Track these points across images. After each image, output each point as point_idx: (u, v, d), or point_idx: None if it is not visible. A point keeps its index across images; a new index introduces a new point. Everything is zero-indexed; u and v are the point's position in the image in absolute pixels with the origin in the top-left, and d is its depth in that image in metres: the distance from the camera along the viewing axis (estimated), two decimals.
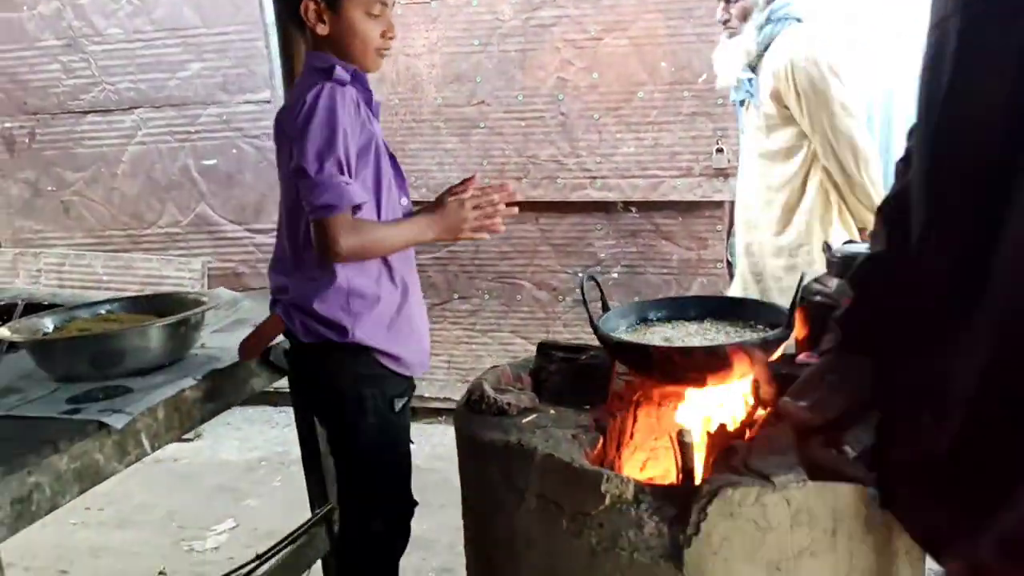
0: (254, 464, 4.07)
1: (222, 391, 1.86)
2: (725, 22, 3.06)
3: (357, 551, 2.08)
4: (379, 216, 1.89)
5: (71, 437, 1.50)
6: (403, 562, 3.00)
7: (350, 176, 1.76)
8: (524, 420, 1.77)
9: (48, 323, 1.91)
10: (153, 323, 1.78)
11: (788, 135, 2.98)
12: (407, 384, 2.03)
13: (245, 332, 1.90)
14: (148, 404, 1.63)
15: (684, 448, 1.51)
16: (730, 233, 3.90)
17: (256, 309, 2.31)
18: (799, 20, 2.98)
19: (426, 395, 4.32)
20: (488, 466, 1.71)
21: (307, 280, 1.86)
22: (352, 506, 2.06)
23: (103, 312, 1.96)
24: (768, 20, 2.94)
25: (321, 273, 1.85)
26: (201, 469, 4.05)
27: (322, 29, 1.80)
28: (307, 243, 1.84)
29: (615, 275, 4.04)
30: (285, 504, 3.47)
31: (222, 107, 4.28)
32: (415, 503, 2.13)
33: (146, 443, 1.64)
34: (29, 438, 1.48)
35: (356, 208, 1.79)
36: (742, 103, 3.16)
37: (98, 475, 1.56)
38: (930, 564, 2.33)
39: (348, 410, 1.92)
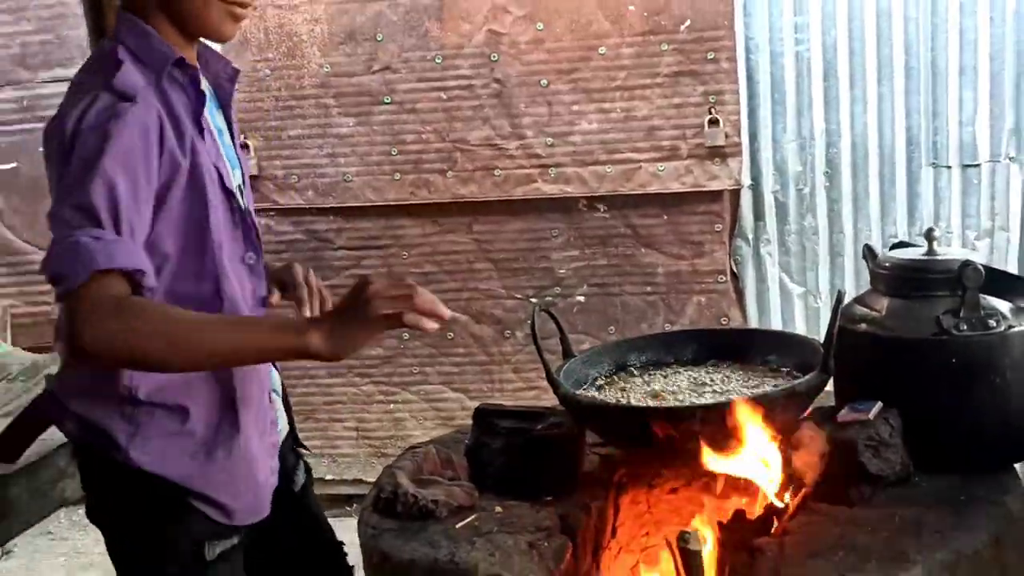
0: None
1: (15, 506, 1.72)
2: None
3: None
4: (202, 286, 1.62)
5: None
6: None
7: (130, 232, 1.45)
8: (458, 525, 1.71)
9: None
10: None
11: None
12: (231, 526, 1.72)
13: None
14: None
15: (688, 558, 1.46)
16: (734, 234, 3.89)
17: None
18: None
19: (328, 477, 4.18)
20: None
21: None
22: None
23: None
24: None
25: None
26: None
27: None
28: None
29: (580, 298, 3.97)
30: None
31: (21, 89, 4.14)
32: None
33: None
34: None
35: (135, 275, 1.45)
36: None
37: None
38: None
39: (137, 553, 1.69)
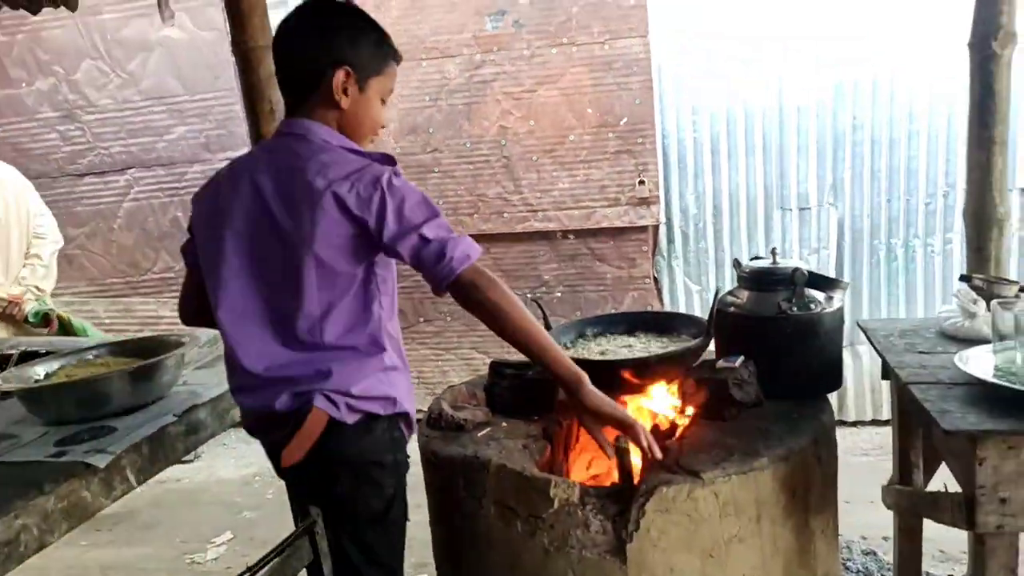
0: (249, 479, 3.91)
1: (204, 424, 1.74)
2: None
3: None
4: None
5: (57, 479, 1.38)
6: None
7: None
8: (479, 434, 1.72)
9: (39, 370, 1.77)
10: (134, 366, 1.66)
11: None
12: None
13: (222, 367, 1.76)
14: (131, 442, 1.51)
15: (620, 454, 1.45)
16: (655, 252, 3.89)
17: None
18: None
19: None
20: (449, 478, 1.64)
21: (347, 360, 1.40)
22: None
23: (91, 357, 1.82)
24: None
25: (370, 349, 1.43)
26: (201, 487, 3.88)
27: (344, 102, 1.39)
28: (355, 319, 1.40)
29: (559, 294, 3.99)
30: (278, 515, 3.31)
31: (206, 164, 4.16)
32: None
33: (132, 478, 1.52)
34: (16, 482, 1.36)
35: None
36: None
37: (86, 512, 1.43)
38: (843, 536, 2.31)
39: (387, 482, 1.48)
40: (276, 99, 2.14)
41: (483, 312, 1.34)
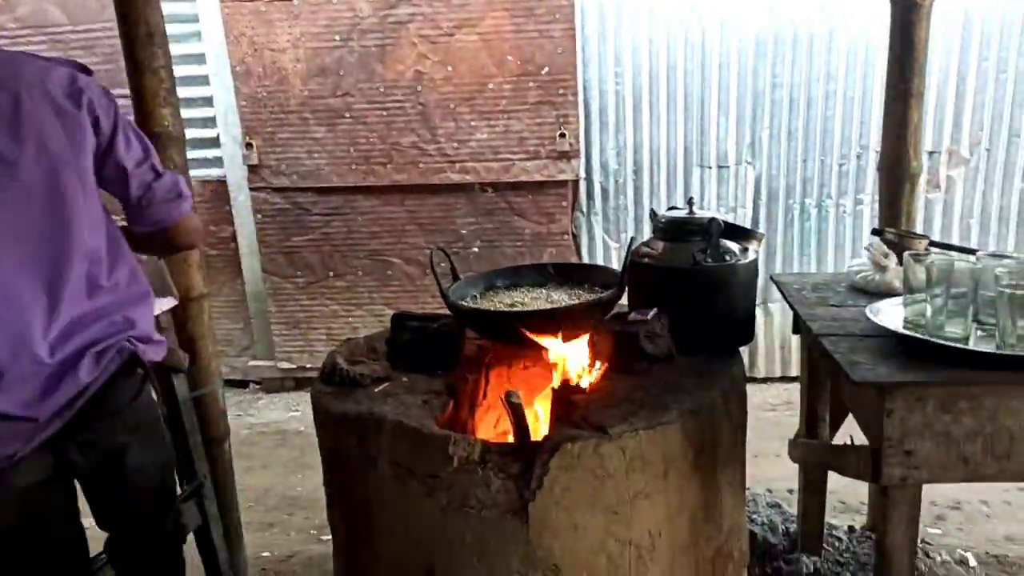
0: None
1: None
2: None
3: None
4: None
5: None
6: (287, 521, 2.84)
7: None
8: (376, 389, 1.62)
9: None
10: None
11: None
12: None
13: None
14: None
15: (514, 409, 1.39)
16: (574, 208, 3.83)
17: None
18: None
19: (307, 366, 4.08)
20: (341, 436, 1.55)
21: (128, 296, 1.32)
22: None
23: None
24: None
25: (138, 286, 1.36)
26: None
27: None
28: (121, 253, 1.33)
29: (475, 249, 3.88)
30: None
31: None
32: None
33: None
34: None
35: None
36: None
37: None
38: (749, 490, 2.35)
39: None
40: (154, 22, 1.92)
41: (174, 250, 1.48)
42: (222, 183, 3.99)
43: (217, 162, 3.97)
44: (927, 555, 2.19)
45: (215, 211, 4.01)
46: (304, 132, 3.78)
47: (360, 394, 1.59)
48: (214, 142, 3.94)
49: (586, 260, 3.88)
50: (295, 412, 3.89)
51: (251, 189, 3.88)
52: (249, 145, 3.79)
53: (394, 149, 3.77)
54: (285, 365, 4.12)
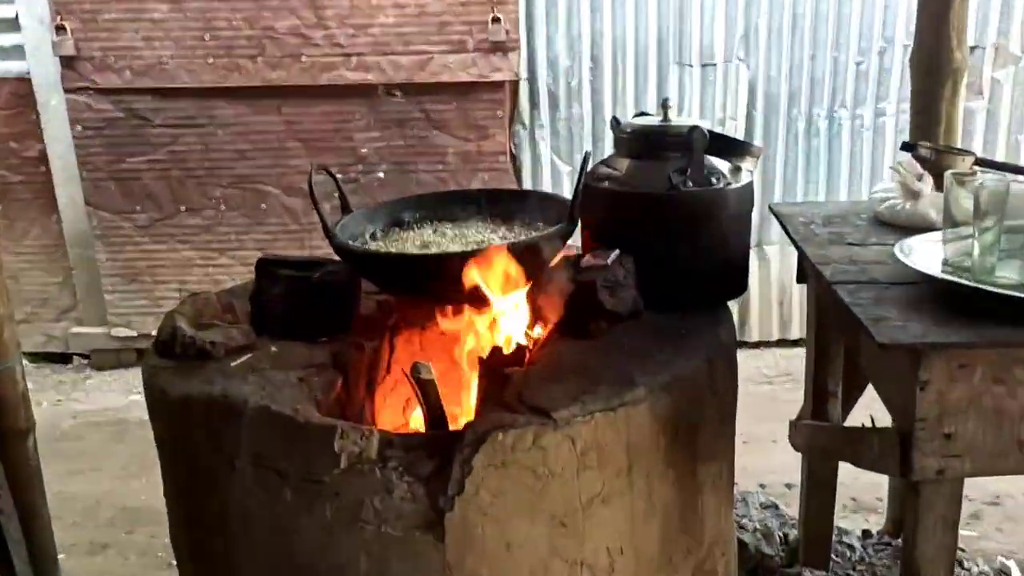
0: None
1: None
2: None
3: None
4: None
5: None
6: (126, 541, 2.81)
7: None
8: (233, 363, 1.57)
9: None
10: None
11: None
12: None
13: None
14: None
15: (423, 387, 1.39)
16: (513, 120, 3.82)
17: None
18: None
19: (153, 332, 3.92)
20: (186, 427, 1.51)
21: None
22: None
23: None
24: None
25: None
26: None
27: None
28: None
29: (381, 174, 3.84)
30: None
31: None
32: None
33: None
34: None
35: None
36: None
37: None
38: (738, 486, 2.38)
39: None
40: None
41: None
42: (24, 82, 3.87)
43: (16, 53, 3.85)
44: (960, 564, 2.25)
45: (16, 121, 3.91)
46: (139, 11, 3.66)
47: (211, 369, 1.54)
48: (11, 25, 3.81)
49: (529, 188, 3.87)
50: (137, 395, 3.78)
51: (67, 91, 3.78)
52: (61, 28, 3.65)
53: (267, 37, 3.69)
54: (122, 333, 4.07)
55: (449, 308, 1.71)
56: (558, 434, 1.35)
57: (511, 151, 3.84)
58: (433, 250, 1.69)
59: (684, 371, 1.49)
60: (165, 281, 3.99)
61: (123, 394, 3.83)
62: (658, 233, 1.69)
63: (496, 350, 1.64)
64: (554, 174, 3.90)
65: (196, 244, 3.96)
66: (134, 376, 4.00)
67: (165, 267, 3.97)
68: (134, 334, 4.05)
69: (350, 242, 1.70)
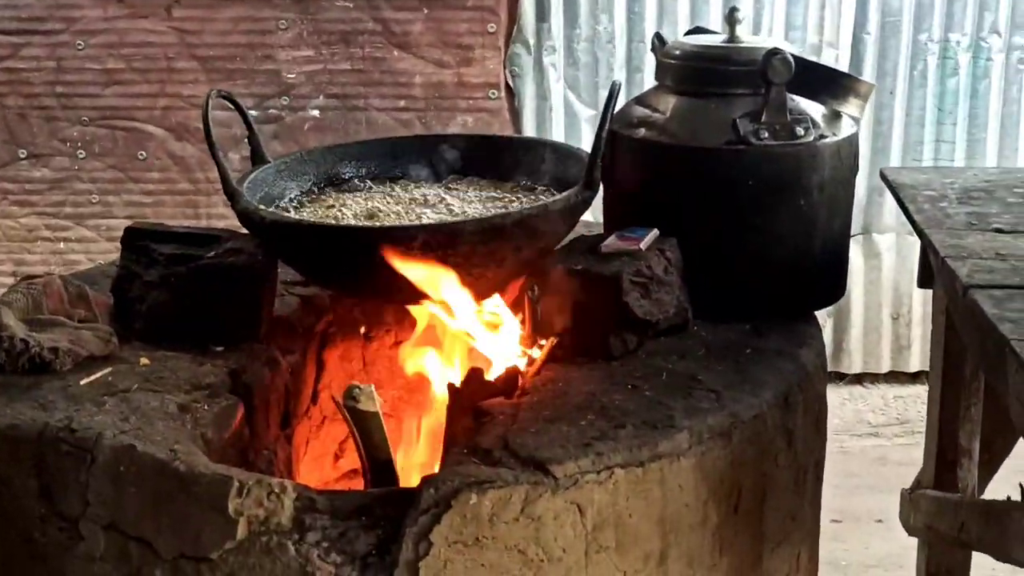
0: None
1: None
2: None
3: None
4: None
5: None
6: None
7: None
8: (85, 381, 1.59)
9: None
10: None
11: None
12: None
13: None
14: None
15: (362, 422, 1.44)
16: (511, 38, 3.83)
17: None
18: None
19: None
20: (9, 473, 1.50)
21: None
22: None
23: None
24: None
25: None
26: None
27: None
28: None
29: (315, 112, 3.86)
30: None
31: None
32: None
33: None
34: None
35: None
36: None
37: None
38: None
39: None
40: None
41: None
42: None
43: None
44: None
45: None
46: None
47: (50, 389, 1.57)
48: None
49: (530, 135, 3.83)
50: None
51: None
52: None
53: None
54: None
55: (405, 310, 1.76)
56: (559, 498, 1.36)
57: (507, 83, 3.84)
58: (385, 222, 1.71)
59: (748, 411, 1.50)
60: None
61: None
62: (718, 207, 1.70)
63: (474, 374, 1.65)
64: (569, 119, 3.90)
65: (41, 207, 3.97)
66: None
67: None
68: None
69: (262, 208, 1.70)
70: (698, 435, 1.44)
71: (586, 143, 3.79)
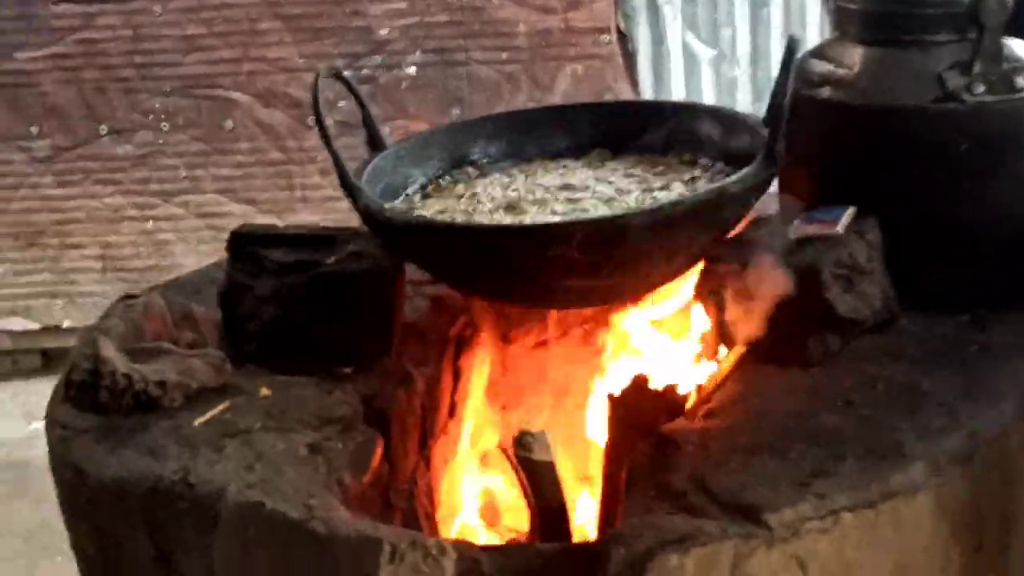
0: None
1: None
2: None
3: None
4: None
5: None
6: None
7: None
8: (200, 420, 1.51)
9: None
10: None
11: None
12: None
13: None
14: None
15: (535, 474, 1.41)
16: None
17: None
18: None
19: (65, 324, 4.06)
20: (119, 532, 1.46)
21: None
22: None
23: None
24: None
25: None
26: None
27: None
28: None
29: (411, 70, 3.84)
30: None
31: None
32: None
33: None
34: None
35: None
36: None
37: None
38: None
39: None
40: None
41: None
42: None
43: None
44: None
45: None
46: None
47: (160, 431, 1.49)
48: None
49: (651, 89, 3.86)
50: (39, 423, 3.79)
51: None
52: None
53: None
54: (16, 325, 4.14)
55: (560, 317, 1.73)
56: (776, 552, 1.24)
57: (619, 27, 3.80)
58: (528, 218, 1.62)
59: (989, 428, 1.38)
60: (80, 244, 4.03)
61: (22, 421, 3.85)
62: (924, 177, 1.61)
63: (639, 383, 1.57)
64: (689, 63, 3.88)
65: (126, 185, 3.99)
66: (39, 392, 4.00)
67: (79, 222, 4.01)
68: (35, 327, 4.07)
69: (387, 207, 1.62)
70: (933, 465, 1.30)
71: (708, 89, 3.90)
